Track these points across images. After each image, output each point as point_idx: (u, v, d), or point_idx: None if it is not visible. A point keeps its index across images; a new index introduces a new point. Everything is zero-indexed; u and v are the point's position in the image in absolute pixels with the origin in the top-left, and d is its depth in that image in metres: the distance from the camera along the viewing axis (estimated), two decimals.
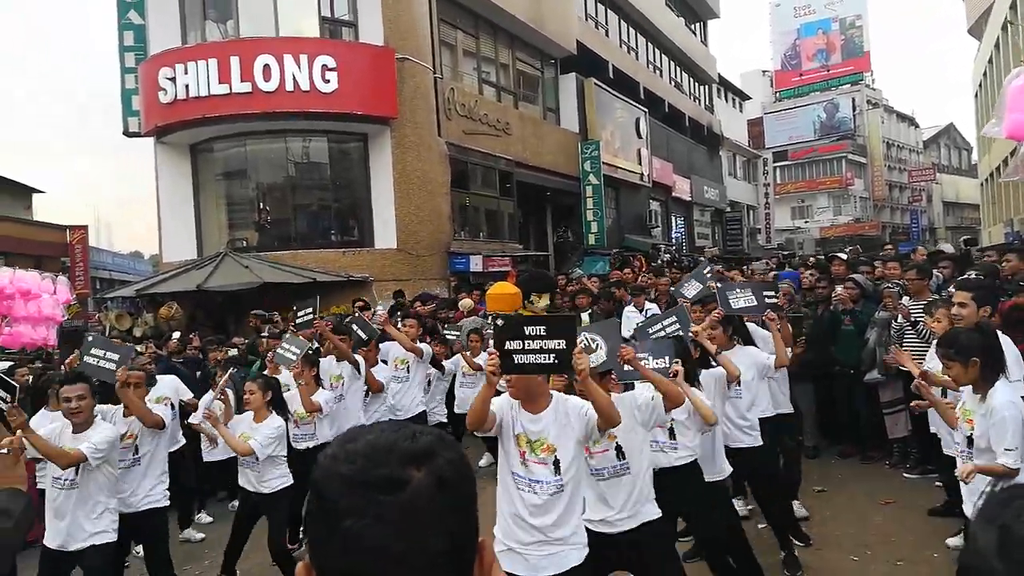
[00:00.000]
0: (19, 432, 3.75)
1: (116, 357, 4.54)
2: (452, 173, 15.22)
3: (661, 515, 3.41)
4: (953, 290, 4.96)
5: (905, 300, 6.21)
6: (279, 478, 4.86)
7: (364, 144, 14.04)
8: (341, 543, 0.83)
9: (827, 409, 7.43)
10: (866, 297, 7.09)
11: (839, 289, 7.27)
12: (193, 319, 11.68)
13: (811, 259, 11.94)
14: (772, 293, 4.95)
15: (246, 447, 4.65)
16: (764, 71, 55.96)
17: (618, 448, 3.33)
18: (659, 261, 15.88)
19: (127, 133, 14.88)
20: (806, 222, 51.90)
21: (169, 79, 12.85)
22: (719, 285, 5.37)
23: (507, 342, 2.83)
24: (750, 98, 45.92)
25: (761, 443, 4.69)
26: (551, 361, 2.83)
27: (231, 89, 12.50)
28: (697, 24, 34.08)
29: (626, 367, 3.41)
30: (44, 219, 30.75)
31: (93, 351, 4.60)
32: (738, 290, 4.72)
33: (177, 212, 14.17)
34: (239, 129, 13.32)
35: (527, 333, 2.82)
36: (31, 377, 7.23)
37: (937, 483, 5.77)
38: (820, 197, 52.44)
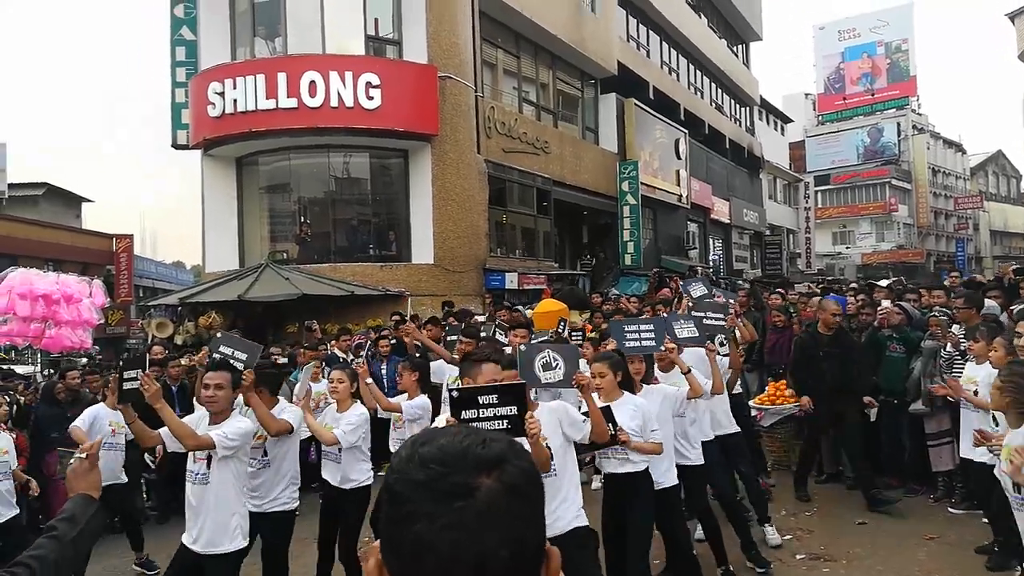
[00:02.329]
0: (155, 404, 3.76)
1: (244, 357, 4.40)
2: (490, 190, 15.31)
3: (586, 525, 3.61)
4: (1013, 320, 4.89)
5: (954, 328, 6.05)
6: (361, 473, 4.88)
7: (404, 160, 14.21)
8: (411, 546, 0.85)
9: (869, 439, 7.22)
10: (912, 325, 6.92)
11: (885, 304, 7.14)
12: (233, 328, 11.87)
13: (853, 284, 11.72)
14: (720, 315, 5.71)
15: (331, 435, 4.68)
16: (807, 94, 55.38)
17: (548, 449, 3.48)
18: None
19: (176, 145, 15.28)
20: (847, 247, 51.00)
21: (218, 93, 13.17)
22: (717, 293, 6.24)
23: (463, 412, 2.95)
24: (792, 121, 45.48)
25: (699, 463, 4.90)
26: (505, 427, 2.95)
27: (277, 104, 12.77)
28: (739, 46, 33.95)
29: (577, 390, 3.71)
30: (92, 227, 31.67)
31: (222, 348, 4.50)
32: (682, 321, 5.14)
33: (221, 223, 14.47)
34: (284, 143, 13.59)
35: (481, 403, 2.94)
36: (79, 380, 7.41)
37: (984, 519, 5.57)
38: (862, 223, 51.53)
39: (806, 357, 6.61)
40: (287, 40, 13.71)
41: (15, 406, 6.29)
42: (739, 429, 5.73)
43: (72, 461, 2.10)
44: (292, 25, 13.70)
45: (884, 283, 11.27)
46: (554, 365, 3.67)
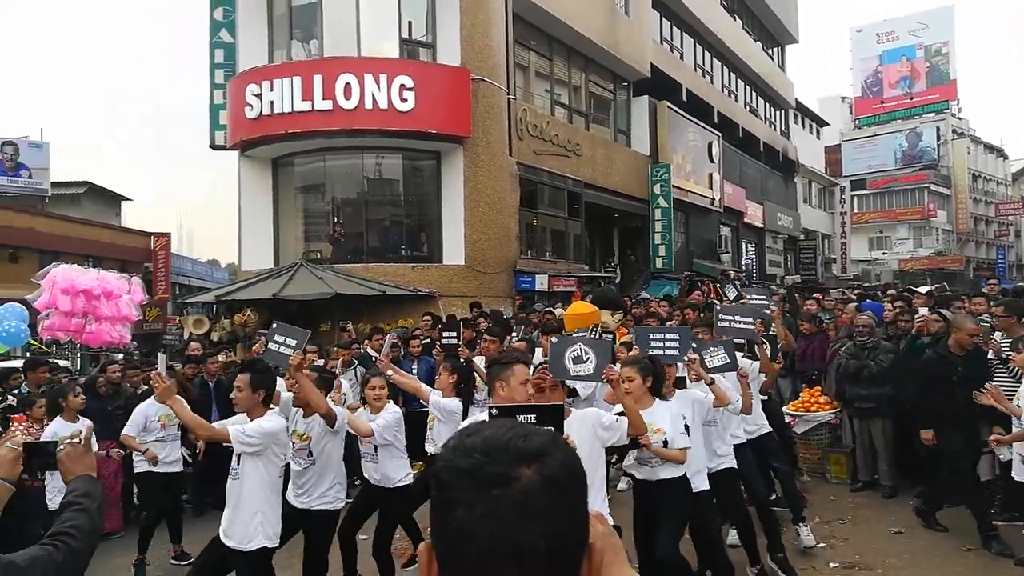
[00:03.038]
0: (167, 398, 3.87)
1: (293, 342, 4.50)
2: (521, 192, 15.34)
3: (613, 525, 3.59)
4: None
5: (996, 336, 5.93)
6: (400, 471, 4.95)
7: (437, 162, 14.30)
8: (453, 532, 0.89)
9: (906, 447, 7.10)
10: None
11: (923, 311, 7.01)
12: (267, 326, 12.05)
13: (891, 290, 11.51)
14: (748, 320, 5.57)
15: (367, 427, 4.74)
16: (843, 97, 54.57)
17: None
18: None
19: (213, 146, 15.56)
20: (884, 253, 50.09)
21: (255, 95, 13.38)
22: (752, 297, 6.46)
23: None
24: (828, 124, 44.84)
25: (731, 466, 4.86)
26: None
27: (313, 106, 12.93)
28: (775, 49, 33.59)
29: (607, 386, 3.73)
30: (131, 226, 32.35)
31: (276, 337, 4.57)
32: (711, 349, 4.93)
33: (257, 223, 14.70)
34: (319, 145, 13.76)
35: (518, 420, 3.05)
36: (120, 374, 7.57)
37: None
38: (900, 228, 50.58)
39: (936, 380, 5.77)
40: (323, 43, 13.88)
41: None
42: (771, 429, 5.67)
43: (63, 446, 2.20)
44: (328, 28, 13.88)
45: (924, 290, 11.07)
46: (585, 359, 3.64)
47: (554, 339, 3.93)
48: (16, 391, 6.97)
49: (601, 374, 3.61)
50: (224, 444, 4.06)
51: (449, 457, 0.94)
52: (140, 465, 6.14)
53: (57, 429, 5.35)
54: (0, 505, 2.14)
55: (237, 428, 3.92)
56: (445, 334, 5.74)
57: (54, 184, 30.39)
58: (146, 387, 7.54)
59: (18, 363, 9.18)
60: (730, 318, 5.59)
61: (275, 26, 14.65)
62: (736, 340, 5.33)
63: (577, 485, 0.93)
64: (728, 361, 4.83)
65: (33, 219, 25.95)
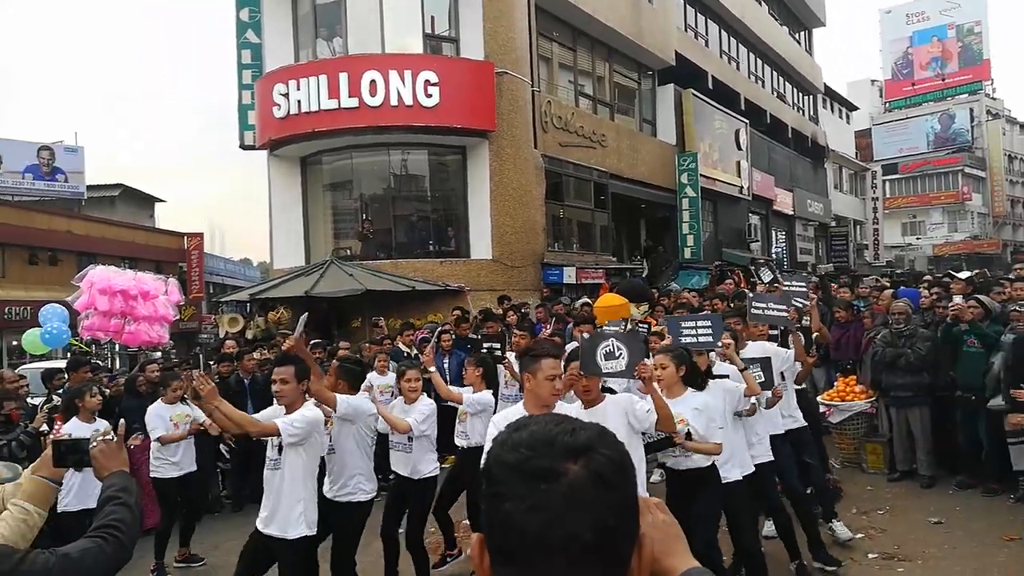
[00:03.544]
0: (210, 400, 3.87)
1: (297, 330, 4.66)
2: (547, 185, 15.32)
3: None
4: None
5: None
6: (429, 464, 5.01)
7: (462, 156, 14.33)
8: (501, 525, 0.91)
9: (945, 436, 7.00)
10: (992, 319, 6.66)
11: (957, 299, 6.87)
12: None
13: (927, 277, 11.31)
14: (782, 307, 5.49)
15: (405, 424, 4.82)
16: (873, 80, 53.57)
17: None
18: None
19: (243, 146, 15.76)
20: (918, 238, 49.18)
21: (283, 95, 13.52)
22: (792, 285, 6.37)
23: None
24: (857, 108, 44.03)
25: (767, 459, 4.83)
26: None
27: (339, 104, 13.03)
28: (801, 33, 33.05)
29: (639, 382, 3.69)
30: (165, 227, 32.91)
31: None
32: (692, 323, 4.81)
33: (287, 222, 14.87)
34: (346, 142, 13.86)
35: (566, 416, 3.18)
36: (158, 373, 7.71)
37: None
38: (933, 213, 49.60)
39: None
40: (347, 41, 13.97)
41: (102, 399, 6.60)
42: (806, 424, 5.61)
43: (95, 443, 2.24)
44: (352, 26, 13.95)
45: (964, 275, 10.86)
46: (617, 355, 3.63)
47: (585, 335, 3.93)
48: (60, 391, 7.14)
49: (634, 370, 3.60)
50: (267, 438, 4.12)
51: (497, 452, 0.96)
52: (156, 471, 6.20)
53: (72, 430, 5.40)
54: (47, 504, 2.20)
55: (284, 420, 3.97)
56: (487, 344, 5.59)
57: (89, 187, 31.03)
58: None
59: (62, 363, 9.39)
60: (763, 305, 5.52)
61: (300, 25, 14.77)
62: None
63: (625, 480, 0.95)
64: (711, 338, 4.67)
65: (70, 222, 26.52)
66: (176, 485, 6.18)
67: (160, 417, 6.16)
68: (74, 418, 5.69)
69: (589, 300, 11.13)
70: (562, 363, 3.62)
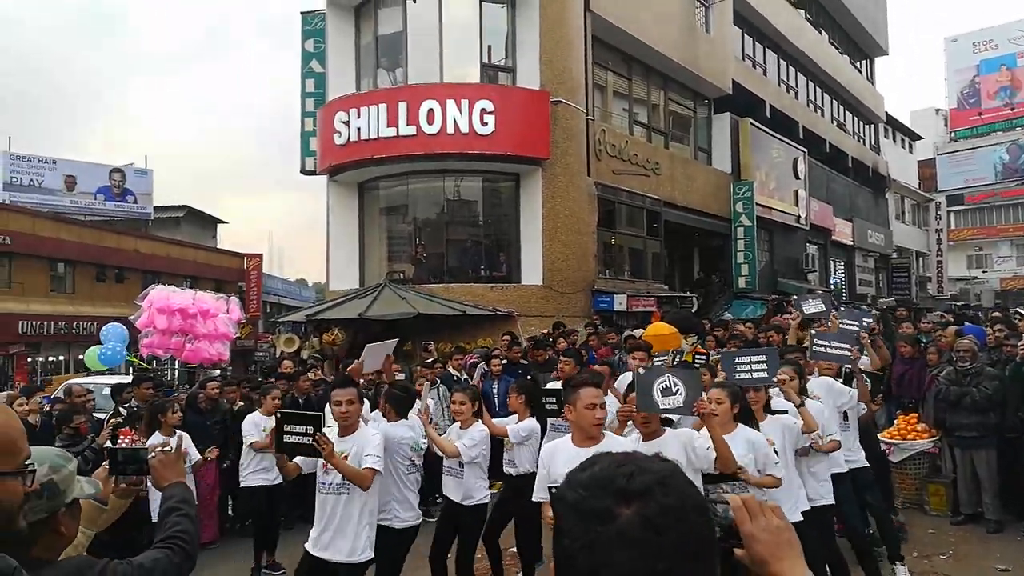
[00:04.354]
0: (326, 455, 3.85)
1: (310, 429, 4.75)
2: (599, 212, 15.33)
3: None
4: None
5: None
6: (480, 491, 5.01)
7: (516, 183, 14.47)
8: (561, 559, 0.97)
9: (1013, 479, 6.69)
10: None
11: None
12: (353, 345, 12.41)
13: (996, 312, 10.88)
14: (845, 346, 5.33)
15: (453, 447, 4.85)
16: (937, 109, 52.10)
17: None
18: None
19: (304, 171, 16.25)
20: (984, 272, 47.32)
21: (344, 123, 13.91)
22: (836, 314, 6.17)
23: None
24: (921, 138, 42.94)
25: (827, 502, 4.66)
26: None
27: (398, 132, 13.34)
28: (863, 61, 32.53)
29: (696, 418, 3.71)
30: (226, 247, 33.99)
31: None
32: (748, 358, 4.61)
33: (344, 245, 15.21)
34: (403, 169, 14.16)
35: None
36: (218, 391, 7.93)
37: None
38: (1001, 245, 47.71)
39: None
40: (408, 71, 14.32)
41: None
42: (867, 464, 5.44)
43: (154, 454, 2.30)
44: (412, 57, 14.30)
45: None
46: (674, 391, 3.59)
47: (640, 371, 3.90)
48: (127, 405, 7.41)
49: (692, 407, 3.56)
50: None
51: (563, 490, 1.02)
52: (247, 479, 6.43)
53: (155, 444, 5.60)
54: (94, 524, 2.23)
55: (374, 459, 4.03)
56: (545, 399, 5.47)
57: (156, 208, 32.31)
58: (242, 403, 7.91)
59: (129, 379, 9.73)
60: (825, 343, 5.38)
61: (362, 56, 15.21)
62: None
63: (679, 525, 0.95)
64: (766, 373, 4.49)
65: (137, 241, 27.61)
66: (265, 494, 6.41)
67: (256, 425, 6.36)
68: (157, 432, 5.94)
69: (633, 334, 11.02)
70: (602, 392, 3.59)
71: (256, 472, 6.44)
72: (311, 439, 3.79)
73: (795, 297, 7.92)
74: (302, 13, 16.59)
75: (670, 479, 0.99)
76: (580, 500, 0.97)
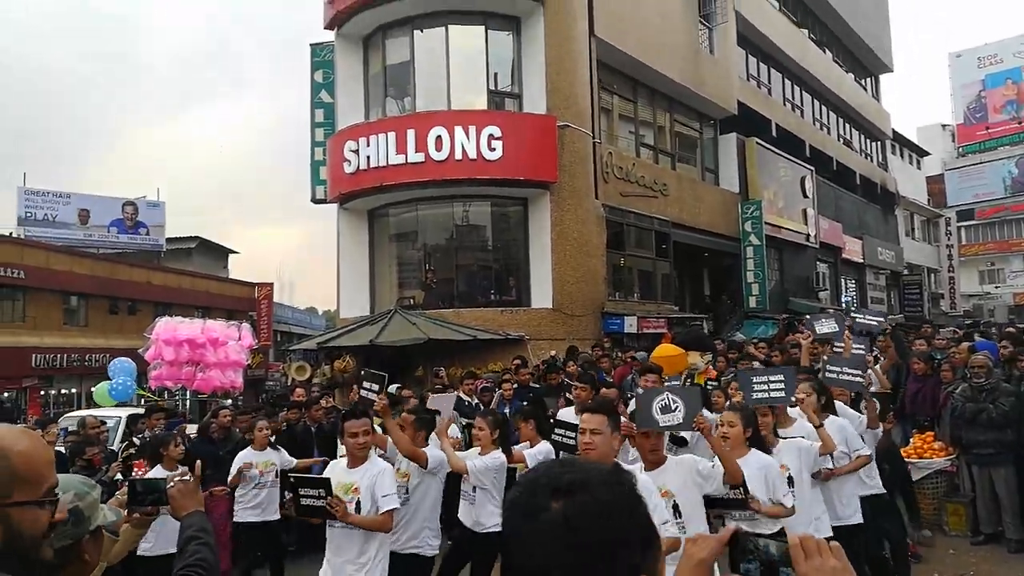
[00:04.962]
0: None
1: (376, 387, 4.87)
2: (608, 234, 15.38)
3: None
4: None
5: None
6: (491, 518, 4.91)
7: (524, 207, 14.54)
8: (503, 553, 1.08)
9: None
10: None
11: None
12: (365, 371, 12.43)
13: (1010, 328, 10.76)
14: (857, 371, 5.28)
15: (461, 463, 4.79)
16: (944, 125, 52.12)
17: (675, 506, 3.43)
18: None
19: (315, 200, 16.40)
20: (997, 287, 46.94)
21: (353, 151, 14.07)
22: (849, 335, 6.19)
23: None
24: (928, 154, 42.91)
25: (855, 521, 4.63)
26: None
27: (407, 159, 13.47)
28: (868, 79, 32.64)
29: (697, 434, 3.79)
30: (237, 276, 34.21)
31: (365, 384, 5.00)
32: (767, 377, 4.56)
33: (354, 272, 15.30)
34: (412, 195, 14.27)
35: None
36: (230, 419, 7.94)
37: None
38: (1013, 260, 47.36)
39: None
40: (416, 99, 14.49)
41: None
42: (884, 490, 5.36)
43: (172, 483, 2.30)
44: (420, 85, 14.49)
45: None
46: (673, 408, 3.60)
47: (639, 390, 3.89)
48: (140, 436, 7.43)
49: (691, 423, 3.57)
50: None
51: (512, 488, 1.12)
52: (240, 515, 6.34)
53: (172, 474, 5.57)
54: (106, 556, 2.23)
55: (388, 500, 4.04)
56: (559, 431, 5.42)
57: (169, 240, 32.63)
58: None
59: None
60: (838, 369, 5.35)
61: (371, 85, 15.42)
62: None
63: (607, 523, 1.01)
64: (783, 393, 4.42)
65: (150, 273, 27.87)
66: (255, 531, 6.32)
67: (244, 462, 6.31)
68: (158, 466, 5.77)
69: (635, 355, 10.99)
70: (603, 417, 3.49)
71: (248, 508, 6.31)
72: (324, 501, 3.88)
73: (807, 317, 7.82)
74: (311, 45, 16.86)
75: (599, 480, 1.05)
76: (516, 497, 1.06)
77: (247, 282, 32.11)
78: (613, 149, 16.24)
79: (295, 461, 6.76)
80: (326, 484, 3.94)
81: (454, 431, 6.67)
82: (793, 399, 4.46)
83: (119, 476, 6.32)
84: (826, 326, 6.71)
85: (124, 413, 10.42)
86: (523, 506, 1.03)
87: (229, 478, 6.29)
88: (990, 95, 49.09)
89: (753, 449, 4.02)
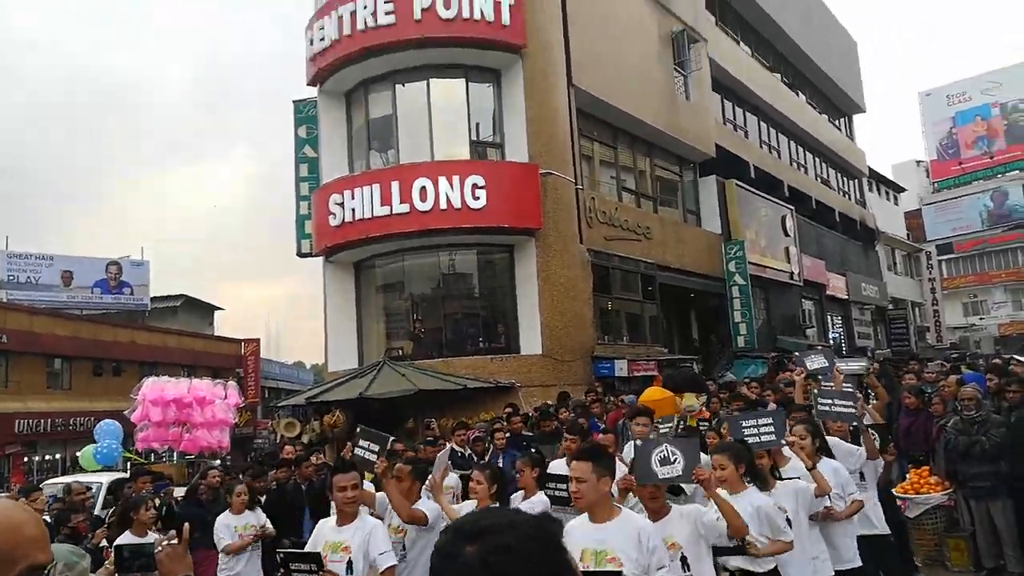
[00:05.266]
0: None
1: (376, 448, 4.71)
2: (594, 278, 15.45)
3: None
4: None
5: None
6: None
7: (510, 254, 14.62)
8: None
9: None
10: None
11: None
12: (355, 426, 12.26)
13: (996, 360, 10.84)
14: (849, 403, 5.27)
15: (457, 515, 4.66)
16: (918, 161, 53.29)
17: (683, 558, 3.43)
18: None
19: (300, 254, 16.42)
20: (981, 319, 47.39)
21: (338, 204, 14.15)
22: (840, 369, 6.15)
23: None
24: (905, 190, 43.78)
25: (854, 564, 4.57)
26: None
27: (391, 211, 13.55)
28: (842, 119, 33.45)
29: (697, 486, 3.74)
30: (223, 333, 33.95)
31: (361, 443, 4.80)
32: (756, 420, 4.56)
33: (342, 325, 15.23)
34: (398, 246, 14.32)
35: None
36: (219, 480, 7.78)
37: None
38: (995, 291, 47.91)
39: None
40: (399, 151, 14.66)
41: (165, 508, 6.64)
42: (888, 531, 5.29)
43: (160, 548, 2.25)
44: (403, 137, 14.68)
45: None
46: (672, 459, 3.58)
47: (638, 442, 3.85)
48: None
49: (691, 475, 3.55)
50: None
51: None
52: None
53: (160, 538, 5.41)
54: None
55: (386, 557, 3.98)
56: (551, 484, 5.31)
57: (153, 298, 32.44)
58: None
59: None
60: (829, 401, 5.35)
61: (354, 139, 15.60)
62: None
63: (515, 564, 1.06)
64: (773, 436, 4.40)
65: (134, 333, 27.62)
66: None
67: (227, 527, 6.17)
68: (127, 531, 5.45)
69: (623, 399, 10.93)
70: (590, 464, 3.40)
71: (232, 573, 6.13)
72: None
73: (797, 354, 7.86)
74: (294, 101, 17.11)
75: (515, 526, 1.11)
76: (441, 542, 1.12)
77: (233, 339, 31.89)
78: (596, 194, 16.44)
79: (268, 522, 6.54)
80: (317, 559, 3.86)
81: (453, 478, 6.52)
82: (784, 441, 4.42)
83: (104, 543, 6.16)
84: (816, 362, 6.72)
85: (106, 479, 10.18)
86: (445, 550, 1.10)
87: (228, 543, 6.11)
88: (961, 131, 50.36)
89: (751, 486, 3.98)
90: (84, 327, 25.68)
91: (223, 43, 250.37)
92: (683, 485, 4.19)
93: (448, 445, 6.15)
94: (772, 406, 6.88)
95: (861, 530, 4.75)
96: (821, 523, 4.41)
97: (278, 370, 37.83)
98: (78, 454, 13.77)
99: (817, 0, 31.02)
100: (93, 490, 8.80)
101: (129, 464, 13.80)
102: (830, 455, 4.76)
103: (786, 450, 4.61)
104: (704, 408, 8.47)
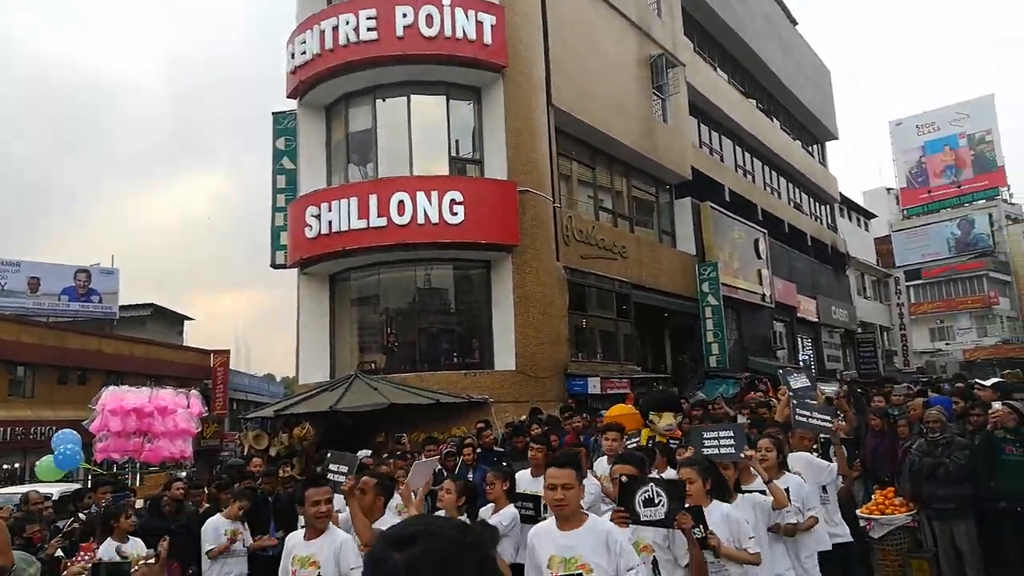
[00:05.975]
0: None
1: (345, 468, 4.80)
2: (570, 296, 15.51)
3: None
4: None
5: None
6: None
7: (486, 270, 14.63)
8: None
9: (995, 551, 6.65)
10: None
11: (997, 406, 6.71)
12: (324, 439, 12.13)
13: (960, 384, 11.05)
14: (827, 418, 5.42)
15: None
16: (888, 188, 54.48)
17: (654, 561, 3.60)
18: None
19: (274, 265, 16.29)
20: (947, 344, 48.32)
21: (314, 216, 14.08)
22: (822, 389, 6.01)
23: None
24: (875, 216, 44.68)
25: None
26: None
27: (368, 224, 13.51)
28: (814, 146, 34.09)
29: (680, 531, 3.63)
30: (192, 343, 33.47)
31: (331, 466, 4.88)
32: (718, 433, 4.68)
33: (314, 337, 15.10)
34: (374, 259, 14.27)
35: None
36: (183, 492, 7.65)
37: None
38: (960, 318, 48.92)
39: None
40: (378, 165, 14.65)
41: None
42: (853, 540, 5.37)
43: (136, 567, 2.24)
44: (383, 152, 14.67)
45: (990, 382, 10.64)
46: (656, 502, 3.57)
47: (624, 478, 3.82)
48: (86, 511, 7.11)
49: (673, 520, 3.54)
50: None
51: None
52: None
53: (105, 551, 5.25)
54: None
55: (358, 572, 3.91)
56: (520, 503, 5.27)
57: (122, 307, 31.90)
58: (208, 506, 7.63)
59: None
60: (808, 413, 5.41)
61: (333, 152, 15.56)
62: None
63: (438, 568, 1.11)
64: (732, 449, 4.47)
65: (101, 341, 27.10)
66: None
67: (216, 530, 6.16)
68: (108, 538, 5.60)
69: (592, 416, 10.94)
70: (571, 472, 3.43)
71: None
72: None
73: (780, 372, 7.96)
74: (274, 113, 17.04)
75: (441, 532, 1.16)
76: (372, 551, 1.16)
77: (202, 349, 31.41)
78: (573, 213, 16.55)
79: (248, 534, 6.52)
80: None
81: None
82: (742, 455, 4.47)
83: (60, 553, 6.04)
84: (799, 381, 6.83)
85: (57, 490, 9.78)
86: (375, 556, 1.14)
87: (210, 547, 6.04)
88: (930, 160, 51.62)
89: (715, 501, 4.02)
90: (50, 334, 25.17)
91: (200, 47, 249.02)
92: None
93: (435, 459, 6.08)
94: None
95: (823, 546, 4.80)
96: (789, 540, 4.45)
97: (247, 382, 37.35)
98: (36, 464, 13.42)
99: (792, 29, 31.75)
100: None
101: (89, 475, 13.50)
102: (787, 469, 4.83)
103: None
104: (678, 428, 8.53)
